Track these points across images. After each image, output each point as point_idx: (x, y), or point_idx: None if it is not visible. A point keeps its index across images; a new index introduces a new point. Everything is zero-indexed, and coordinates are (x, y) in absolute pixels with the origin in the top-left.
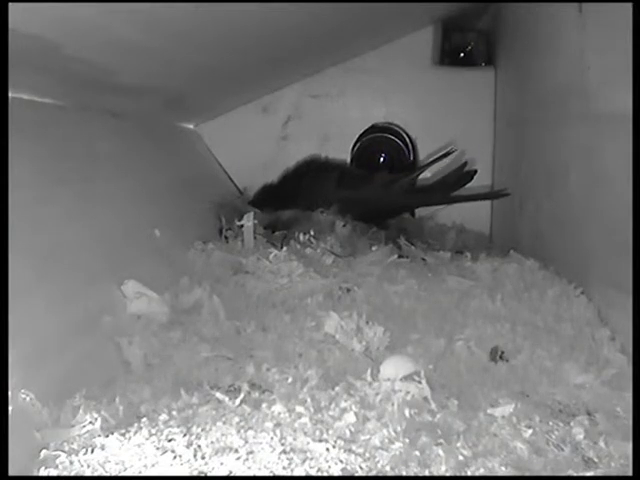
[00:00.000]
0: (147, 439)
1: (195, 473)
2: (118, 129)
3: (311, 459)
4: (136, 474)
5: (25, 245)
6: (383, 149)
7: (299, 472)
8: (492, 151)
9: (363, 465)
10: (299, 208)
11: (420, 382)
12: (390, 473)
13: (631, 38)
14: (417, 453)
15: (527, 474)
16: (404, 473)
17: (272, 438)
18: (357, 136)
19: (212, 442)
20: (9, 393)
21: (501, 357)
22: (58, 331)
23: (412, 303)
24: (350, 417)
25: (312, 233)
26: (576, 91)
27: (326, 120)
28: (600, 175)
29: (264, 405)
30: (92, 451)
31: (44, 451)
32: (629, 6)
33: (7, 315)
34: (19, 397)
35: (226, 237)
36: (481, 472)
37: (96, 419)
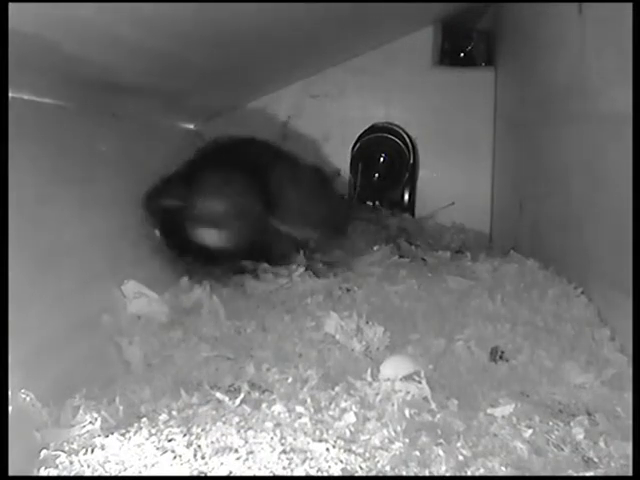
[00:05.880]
0: (147, 439)
1: (195, 473)
2: (118, 129)
3: (311, 459)
4: (136, 474)
5: (25, 245)
6: (383, 149)
7: (299, 472)
8: (492, 151)
9: (363, 465)
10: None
11: (420, 382)
12: (390, 473)
13: (631, 38)
14: (417, 453)
15: (527, 474)
16: (404, 473)
17: (272, 438)
18: (357, 136)
19: (212, 442)
20: (9, 393)
21: (501, 357)
22: (58, 331)
23: (412, 303)
24: (350, 417)
25: None
26: (576, 91)
27: (326, 120)
28: (600, 175)
29: (264, 405)
30: (92, 451)
31: (44, 451)
32: (629, 6)
33: (7, 315)
34: (19, 397)
35: None
36: (481, 472)
37: (96, 419)
